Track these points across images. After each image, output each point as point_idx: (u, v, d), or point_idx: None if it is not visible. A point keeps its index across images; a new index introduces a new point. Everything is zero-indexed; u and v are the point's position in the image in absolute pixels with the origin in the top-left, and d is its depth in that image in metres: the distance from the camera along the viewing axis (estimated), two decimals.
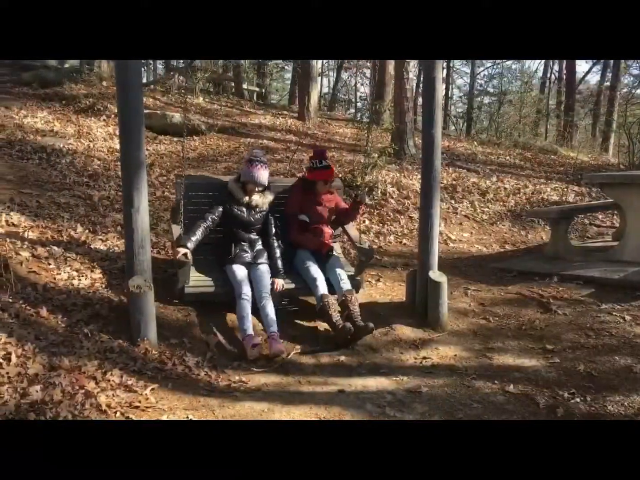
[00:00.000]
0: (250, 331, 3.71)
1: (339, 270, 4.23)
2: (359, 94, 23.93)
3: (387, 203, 7.14)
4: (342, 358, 3.73)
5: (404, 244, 6.30)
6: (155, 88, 12.39)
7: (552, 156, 12.55)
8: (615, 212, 7.67)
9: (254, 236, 4.21)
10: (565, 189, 9.10)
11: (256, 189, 4.17)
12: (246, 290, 3.86)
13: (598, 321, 4.25)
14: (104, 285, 4.04)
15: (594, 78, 25.95)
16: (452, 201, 7.77)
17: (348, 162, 8.54)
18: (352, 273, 4.37)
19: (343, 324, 3.83)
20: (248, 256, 4.11)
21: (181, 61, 16.47)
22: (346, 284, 4.15)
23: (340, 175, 7.39)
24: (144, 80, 15.37)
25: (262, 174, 4.15)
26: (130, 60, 3.26)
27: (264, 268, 4.07)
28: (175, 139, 8.98)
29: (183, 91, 11.36)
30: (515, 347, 3.92)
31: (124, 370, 3.13)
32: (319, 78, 15.30)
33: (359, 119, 16.87)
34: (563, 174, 10.38)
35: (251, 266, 4.08)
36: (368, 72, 21.82)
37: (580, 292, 4.86)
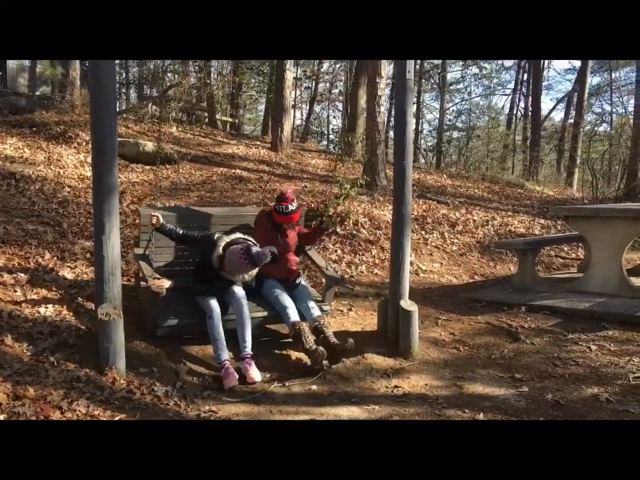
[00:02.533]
0: (226, 356, 3.70)
1: (307, 299, 4.27)
2: (331, 126, 24.29)
3: (358, 233, 7.20)
4: (314, 387, 3.71)
5: (376, 273, 6.35)
6: (128, 116, 12.38)
7: (519, 190, 12.88)
8: (580, 244, 7.88)
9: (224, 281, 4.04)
10: (532, 222, 9.32)
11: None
12: (216, 308, 3.85)
13: (565, 351, 4.33)
14: (71, 313, 3.96)
15: (558, 115, 26.86)
16: (423, 232, 7.88)
17: (320, 193, 8.61)
18: (320, 299, 4.46)
19: (316, 347, 3.87)
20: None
21: (155, 90, 16.53)
22: (316, 311, 4.20)
23: (313, 206, 7.46)
24: (117, 109, 15.35)
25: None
26: (105, 84, 3.27)
27: (236, 289, 4.02)
28: (147, 167, 8.96)
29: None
30: (485, 376, 3.95)
31: (91, 400, 3.06)
32: (292, 110, 15.49)
33: (331, 150, 17.08)
34: (529, 207, 10.65)
35: (224, 293, 4.02)
36: (340, 105, 22.20)
37: (547, 322, 4.96)
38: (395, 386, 3.76)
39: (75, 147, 9.07)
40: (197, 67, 15.75)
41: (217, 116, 16.40)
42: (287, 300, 4.18)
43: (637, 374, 3.84)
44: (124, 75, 21.39)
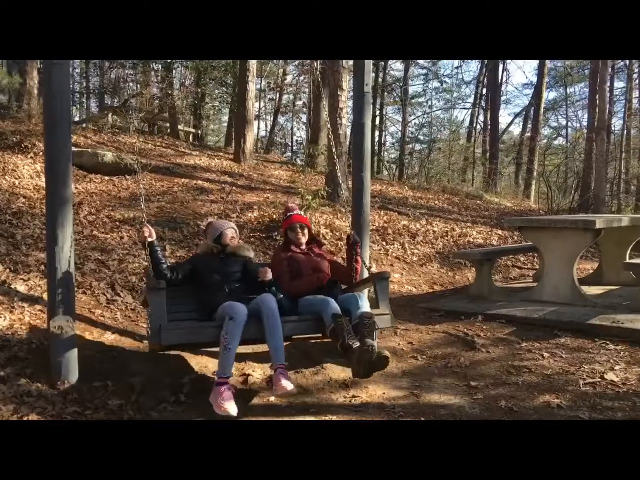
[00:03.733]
0: (231, 372, 3.23)
1: (357, 294, 3.74)
2: (295, 137, 24.42)
3: None
4: (272, 398, 3.70)
5: None
6: (87, 126, 12.19)
7: (478, 201, 13.15)
8: (536, 254, 8.08)
9: (235, 285, 3.75)
10: (490, 232, 9.53)
11: (229, 237, 3.92)
12: (242, 312, 3.27)
13: (519, 358, 4.43)
14: (23, 327, 3.87)
15: (516, 129, 27.55)
16: (384, 243, 7.97)
17: (282, 204, 8.63)
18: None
19: (365, 346, 3.24)
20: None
21: (115, 100, 16.34)
22: (365, 307, 3.60)
23: (274, 217, 7.48)
24: (77, 119, 15.11)
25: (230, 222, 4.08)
26: (58, 92, 3.23)
27: (265, 295, 3.54)
28: (106, 177, 8.83)
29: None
30: (441, 384, 4.01)
31: (42, 415, 2.99)
32: (255, 121, 15.50)
33: (294, 161, 17.14)
34: (488, 218, 10.88)
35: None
36: (304, 117, 22.32)
37: (502, 331, 5.07)
38: (353, 396, 3.78)
39: (31, 157, 8.87)
40: (159, 78, 15.61)
41: (180, 127, 16.30)
42: (325, 297, 3.66)
43: (588, 380, 3.96)
44: (84, 84, 21.08)
